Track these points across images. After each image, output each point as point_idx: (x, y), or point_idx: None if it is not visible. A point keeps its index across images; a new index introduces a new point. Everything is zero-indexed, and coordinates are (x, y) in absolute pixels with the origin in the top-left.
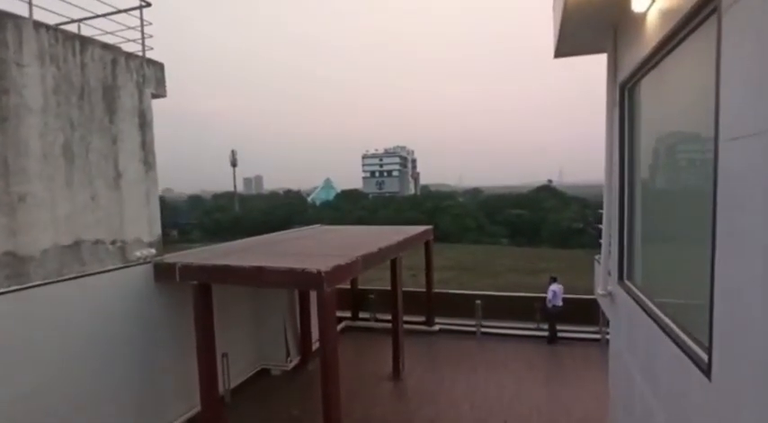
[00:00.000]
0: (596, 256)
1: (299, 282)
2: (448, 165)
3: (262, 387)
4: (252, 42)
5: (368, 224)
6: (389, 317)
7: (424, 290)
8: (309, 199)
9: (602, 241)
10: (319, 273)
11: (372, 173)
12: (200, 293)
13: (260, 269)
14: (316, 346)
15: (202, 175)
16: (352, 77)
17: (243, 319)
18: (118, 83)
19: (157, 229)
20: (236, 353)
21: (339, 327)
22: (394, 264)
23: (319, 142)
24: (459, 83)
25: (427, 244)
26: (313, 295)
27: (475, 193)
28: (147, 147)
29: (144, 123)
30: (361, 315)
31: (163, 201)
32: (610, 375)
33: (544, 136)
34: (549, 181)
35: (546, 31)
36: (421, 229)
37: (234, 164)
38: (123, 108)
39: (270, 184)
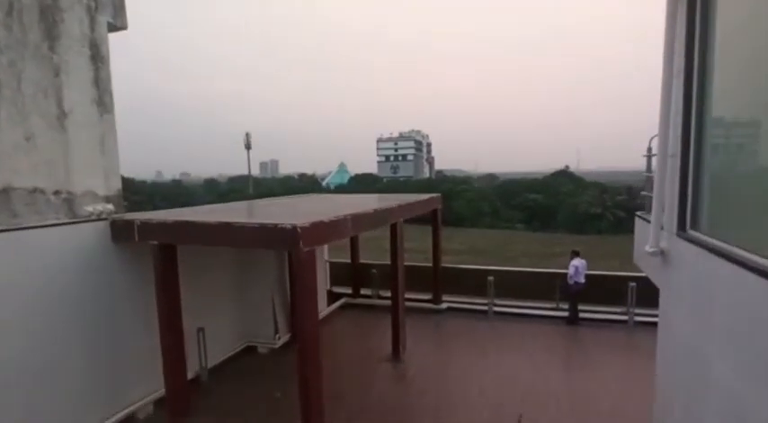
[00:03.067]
0: (638, 213)
1: (272, 240)
2: (464, 151)
3: (245, 366)
4: (268, 25)
5: None
6: None
7: (430, 264)
8: (324, 183)
9: (648, 193)
10: (294, 228)
11: (387, 157)
12: (161, 255)
13: (226, 225)
14: None
15: (219, 160)
16: (368, 61)
17: (224, 291)
18: (60, 4)
19: (117, 183)
20: (216, 328)
21: (338, 303)
22: (394, 229)
23: (335, 127)
24: (475, 67)
25: (434, 213)
26: None
27: (490, 178)
28: (101, 85)
29: (97, 56)
30: (363, 292)
31: (180, 184)
32: (658, 357)
33: (562, 122)
34: (567, 166)
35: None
36: (427, 196)
37: (248, 146)
38: (69, 35)
39: (285, 169)
